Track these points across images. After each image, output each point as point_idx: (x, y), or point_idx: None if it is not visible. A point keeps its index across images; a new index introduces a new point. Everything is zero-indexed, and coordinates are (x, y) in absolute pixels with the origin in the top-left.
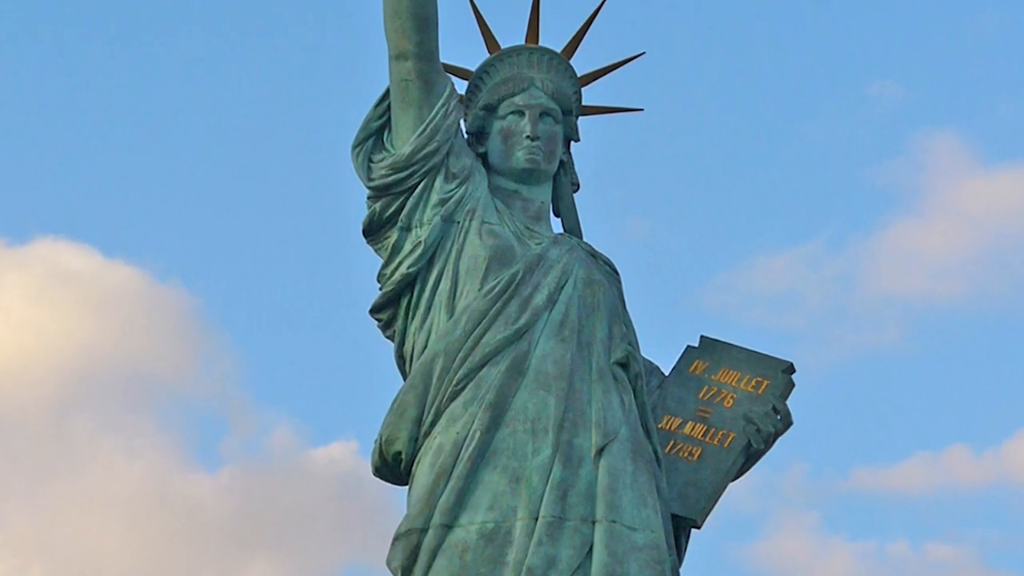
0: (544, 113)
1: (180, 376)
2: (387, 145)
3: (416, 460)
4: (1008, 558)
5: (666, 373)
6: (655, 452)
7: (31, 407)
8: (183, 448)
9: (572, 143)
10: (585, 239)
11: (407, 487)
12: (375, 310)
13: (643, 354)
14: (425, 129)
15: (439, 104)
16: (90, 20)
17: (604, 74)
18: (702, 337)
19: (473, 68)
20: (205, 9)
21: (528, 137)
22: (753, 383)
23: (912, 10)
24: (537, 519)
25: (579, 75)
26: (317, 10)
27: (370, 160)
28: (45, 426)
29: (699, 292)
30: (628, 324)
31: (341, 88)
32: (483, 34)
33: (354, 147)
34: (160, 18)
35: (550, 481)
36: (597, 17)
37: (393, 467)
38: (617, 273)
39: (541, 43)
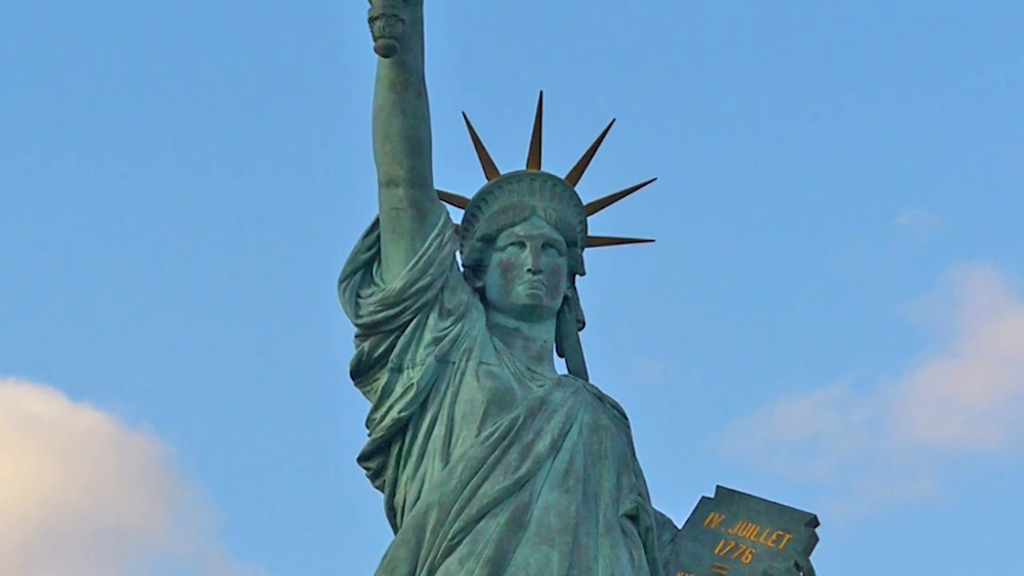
0: (547, 244)
1: (152, 529)
2: (376, 279)
3: None
4: None
5: (679, 526)
6: None
7: None
8: None
9: (577, 277)
10: (591, 381)
11: None
12: (363, 458)
13: (654, 506)
14: (418, 262)
15: (433, 234)
16: (48, 154)
17: (612, 202)
18: (718, 487)
19: (470, 195)
20: (175, 132)
21: (529, 271)
22: (774, 537)
23: (947, 134)
24: None
25: (585, 203)
26: (299, 135)
27: (358, 295)
28: None
29: (715, 438)
30: (638, 473)
31: (327, 217)
32: (481, 158)
33: (340, 281)
34: (126, 146)
35: None
36: (604, 140)
37: None
38: (626, 418)
39: (543, 168)
